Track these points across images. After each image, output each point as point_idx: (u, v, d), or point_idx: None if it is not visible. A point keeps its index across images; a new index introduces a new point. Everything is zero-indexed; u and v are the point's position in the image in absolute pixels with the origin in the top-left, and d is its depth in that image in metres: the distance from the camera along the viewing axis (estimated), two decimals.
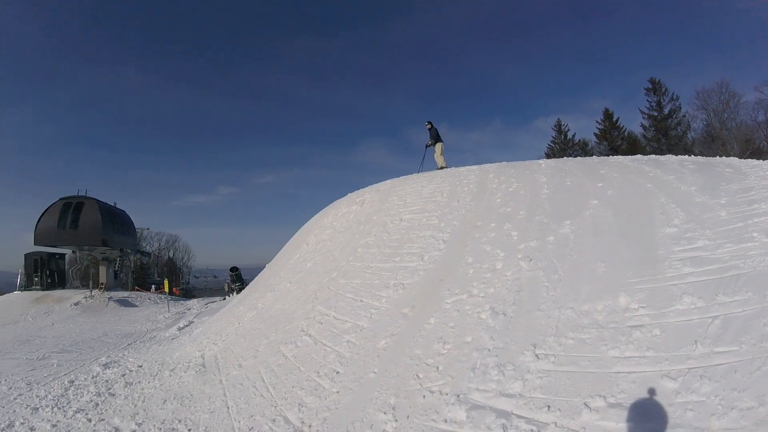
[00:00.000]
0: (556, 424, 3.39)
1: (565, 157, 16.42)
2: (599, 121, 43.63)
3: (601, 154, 38.99)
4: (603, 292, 4.82)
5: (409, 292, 6.85)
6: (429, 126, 15.93)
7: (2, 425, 6.26)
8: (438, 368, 4.72)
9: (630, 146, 37.97)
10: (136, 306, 23.85)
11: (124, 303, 23.94)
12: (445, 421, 3.87)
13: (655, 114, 39.55)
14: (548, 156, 43.65)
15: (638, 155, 12.27)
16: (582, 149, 43.36)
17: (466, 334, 5.11)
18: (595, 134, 43.72)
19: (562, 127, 46.29)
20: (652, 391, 3.36)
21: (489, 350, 4.60)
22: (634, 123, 55.10)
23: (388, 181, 14.18)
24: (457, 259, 7.16)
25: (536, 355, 4.20)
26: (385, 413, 4.33)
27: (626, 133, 42.01)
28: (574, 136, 45.95)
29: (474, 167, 12.99)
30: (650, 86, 40.19)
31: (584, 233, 6.48)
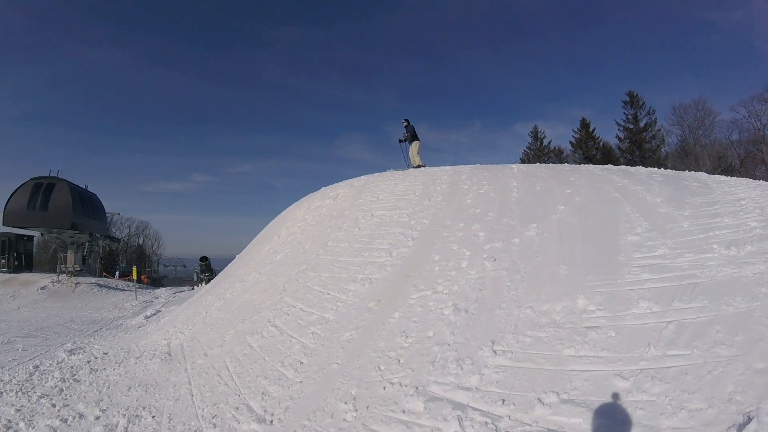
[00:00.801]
0: (509, 417, 3.49)
1: (537, 164, 16.75)
2: (576, 130, 44.28)
3: (575, 162, 39.64)
4: (563, 294, 4.98)
5: (376, 287, 6.95)
6: (406, 124, 15.74)
7: None
8: (399, 361, 4.83)
9: (604, 156, 38.65)
10: (104, 291, 23.50)
11: (92, 288, 23.58)
12: (404, 411, 3.97)
13: (631, 126, 40.32)
14: (523, 161, 44.19)
15: (609, 165, 12.59)
16: (557, 156, 43.99)
17: (428, 329, 5.22)
18: (571, 143, 44.38)
19: (539, 134, 46.94)
20: (604, 390, 3.47)
21: (449, 345, 4.72)
22: (610, 134, 56.25)
23: (363, 177, 14.25)
24: (424, 256, 7.29)
25: (494, 351, 4.33)
26: (346, 403, 4.42)
27: (601, 143, 42.76)
28: (549, 143, 46.59)
29: (448, 168, 13.16)
30: (628, 99, 40.97)
31: (549, 237, 6.67)
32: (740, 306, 3.96)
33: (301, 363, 5.71)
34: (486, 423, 3.47)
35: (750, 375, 3.13)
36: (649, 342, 3.80)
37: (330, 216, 11.63)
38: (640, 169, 10.94)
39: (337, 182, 14.99)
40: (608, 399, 3.37)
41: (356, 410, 4.26)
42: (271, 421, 4.65)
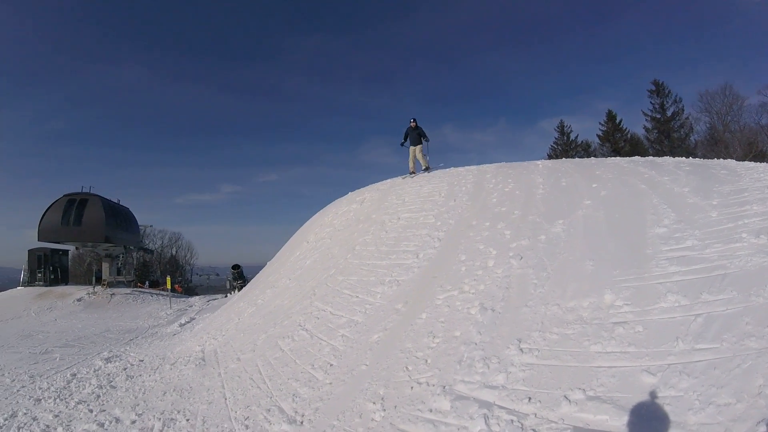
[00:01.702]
0: (536, 415, 3.49)
1: (563, 159, 16.48)
2: (602, 122, 43.55)
3: (603, 155, 38.96)
4: (589, 290, 4.94)
5: (404, 289, 7.02)
6: (413, 124, 14.54)
7: (6, 415, 6.39)
8: (426, 361, 4.87)
9: (633, 148, 37.82)
10: (139, 301, 24.06)
11: (128, 299, 24.16)
12: (431, 410, 4.01)
13: (658, 116, 39.45)
14: (550, 157, 43.65)
15: (636, 157, 12.39)
16: (584, 151, 43.29)
17: (455, 329, 5.26)
18: (598, 136, 43.67)
19: (565, 129, 46.25)
20: (631, 386, 3.43)
21: (476, 344, 4.74)
22: (637, 125, 54.98)
23: (388, 180, 14.38)
24: (450, 256, 7.33)
25: (521, 349, 4.33)
26: (374, 403, 4.48)
27: (629, 135, 41.97)
28: (576, 137, 45.91)
29: (472, 167, 13.16)
30: (653, 88, 40.07)
31: (575, 232, 6.63)
32: None
33: (331, 365, 5.82)
34: (512, 421, 3.48)
35: None
36: (677, 336, 3.74)
37: (357, 220, 11.78)
38: (667, 159, 10.74)
39: (363, 187, 15.15)
40: (635, 395, 3.32)
41: (384, 410, 4.32)
42: (302, 422, 4.74)
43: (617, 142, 41.12)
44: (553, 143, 47.02)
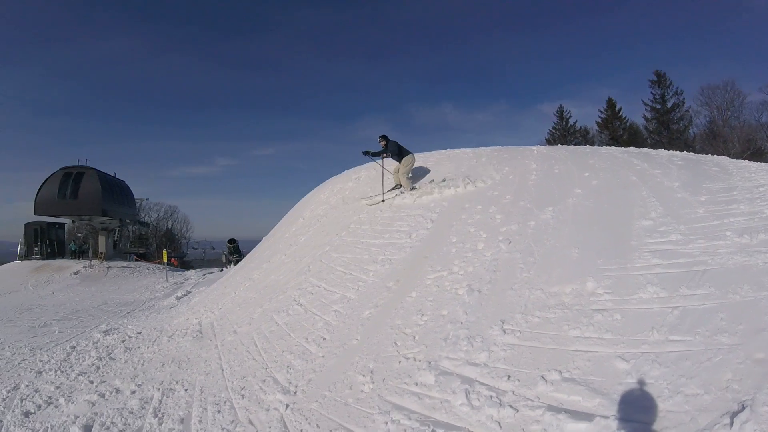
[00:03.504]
0: (513, 392, 3.66)
1: (559, 145, 16.56)
2: (602, 110, 43.67)
3: (601, 143, 39.07)
4: (573, 277, 5.12)
5: (395, 267, 7.22)
6: (383, 142, 11.02)
7: (8, 387, 6.50)
8: (414, 337, 5.09)
9: (631, 137, 38.03)
10: (135, 274, 24.22)
11: (124, 272, 24.35)
12: (416, 384, 4.22)
13: (658, 107, 39.56)
14: (549, 142, 43.74)
15: (631, 147, 12.54)
16: (583, 137, 43.33)
17: (442, 308, 5.47)
18: (597, 123, 43.82)
19: (564, 114, 46.31)
20: (605, 370, 3.57)
21: (462, 323, 4.95)
22: (637, 114, 54.92)
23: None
24: (442, 238, 7.54)
25: (503, 330, 4.52)
26: (363, 376, 4.70)
27: (628, 123, 42.09)
28: (575, 123, 46.06)
29: (468, 150, 13.30)
30: (655, 78, 40.06)
31: (564, 220, 6.83)
32: (747, 295, 3.97)
33: (324, 339, 6.03)
34: (491, 397, 3.66)
35: (749, 364, 3.16)
36: (652, 326, 3.88)
37: (352, 198, 11.93)
38: (661, 152, 10.90)
39: (360, 165, 15.16)
40: (608, 379, 3.47)
41: (373, 382, 4.54)
42: (295, 392, 4.96)
43: (616, 130, 41.22)
44: (552, 128, 47.27)
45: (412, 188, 10.74)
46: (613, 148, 12.65)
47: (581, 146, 16.09)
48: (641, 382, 3.34)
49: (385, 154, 10.94)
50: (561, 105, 48.57)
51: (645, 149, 12.16)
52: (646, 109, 40.73)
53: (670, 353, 3.53)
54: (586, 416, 3.15)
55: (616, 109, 42.61)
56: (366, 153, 11.07)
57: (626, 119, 42.62)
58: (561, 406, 3.36)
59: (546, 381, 3.64)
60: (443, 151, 14.09)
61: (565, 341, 4.10)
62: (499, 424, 3.41)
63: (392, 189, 11.08)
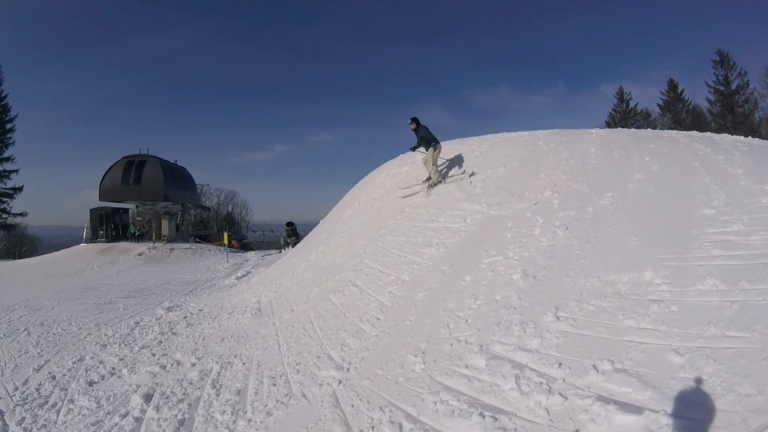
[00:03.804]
0: (564, 380, 3.63)
1: (619, 128, 15.91)
2: (663, 91, 41.73)
3: (663, 126, 37.25)
4: (630, 265, 5.00)
5: (450, 251, 7.29)
6: (414, 125, 10.98)
7: (74, 359, 6.98)
8: (467, 321, 5.14)
9: (694, 120, 36.04)
10: (197, 256, 25.21)
11: (186, 253, 25.41)
12: (467, 367, 4.27)
13: (722, 89, 37.21)
14: (609, 125, 42.22)
15: (693, 132, 11.95)
16: (644, 120, 41.51)
17: (496, 293, 5.48)
18: (659, 105, 41.97)
19: (625, 96, 44.45)
20: (658, 363, 3.48)
21: (515, 308, 4.95)
22: (700, 96, 51.91)
23: (442, 143, 14.34)
24: (497, 222, 7.52)
25: (557, 317, 4.50)
26: (415, 356, 4.80)
27: (691, 106, 40.01)
28: (636, 105, 44.18)
29: (525, 133, 13.04)
30: (718, 59, 37.73)
31: (623, 206, 6.66)
32: None
33: (378, 319, 6.20)
34: (541, 383, 3.66)
35: None
36: (709, 320, 3.75)
37: (407, 182, 11.96)
38: (725, 137, 10.33)
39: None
40: (660, 372, 3.38)
41: (424, 363, 4.63)
42: (348, 369, 5.15)
43: (678, 113, 39.31)
44: (612, 110, 45.49)
45: (439, 179, 10.75)
46: (674, 132, 12.07)
47: (642, 129, 15.42)
48: (694, 378, 3.22)
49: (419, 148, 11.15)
50: (621, 86, 46.52)
51: (708, 133, 11.51)
52: (709, 91, 38.55)
53: (726, 349, 3.39)
54: (636, 409, 3.09)
55: (678, 90, 40.65)
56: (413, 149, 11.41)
57: (689, 102, 40.65)
58: (611, 397, 3.30)
59: (597, 371, 3.59)
60: (499, 134, 13.86)
61: (619, 331, 4.02)
62: (547, 411, 3.40)
63: (425, 181, 10.97)
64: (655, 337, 3.80)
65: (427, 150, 10.90)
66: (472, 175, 10.34)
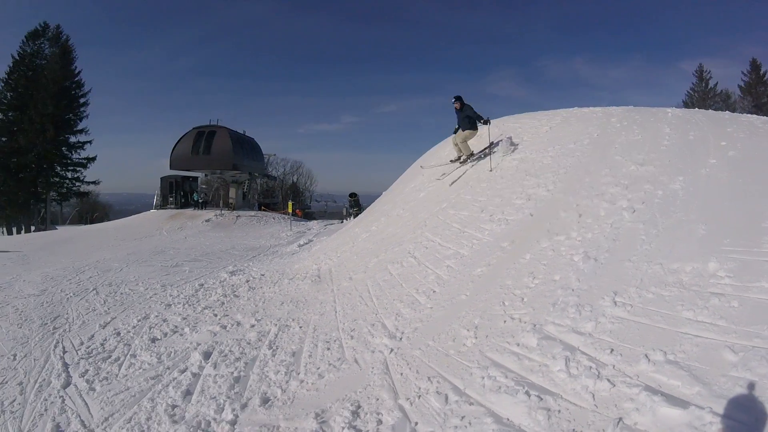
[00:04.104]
0: (614, 366, 3.62)
1: (696, 109, 15.05)
2: (745, 72, 38.78)
3: (743, 109, 34.62)
4: (696, 254, 4.85)
5: (511, 228, 7.28)
6: (458, 104, 11.07)
7: (139, 317, 7.34)
8: (523, 299, 5.17)
9: None
10: (262, 223, 26.11)
11: (252, 220, 26.40)
12: (518, 344, 4.33)
13: None
14: (686, 105, 39.78)
15: None
16: (723, 102, 38.75)
17: (555, 273, 5.46)
18: (740, 87, 39.05)
19: (704, 74, 41.65)
20: (711, 359, 3.39)
21: (572, 290, 4.93)
22: None
23: (510, 116, 14.17)
24: (563, 201, 7.41)
25: (614, 302, 4.46)
26: (467, 330, 4.91)
27: None
28: (716, 85, 41.32)
29: (598, 109, 12.69)
30: None
31: (694, 192, 6.40)
32: None
33: (434, 291, 6.34)
34: (590, 368, 3.66)
35: None
36: None
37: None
38: None
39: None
40: (712, 368, 3.29)
41: (476, 338, 4.74)
42: (401, 338, 5.34)
43: (760, 96, 36.48)
44: (690, 89, 42.86)
45: (470, 154, 10.96)
46: (754, 116, 11.27)
47: (720, 112, 14.52)
48: (746, 378, 3.12)
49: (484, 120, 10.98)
50: (701, 64, 43.86)
51: None
52: None
53: None
54: (682, 403, 3.05)
55: (761, 72, 37.45)
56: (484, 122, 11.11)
57: None
58: (658, 389, 3.27)
59: (649, 360, 3.55)
60: (571, 109, 13.55)
61: (676, 322, 3.94)
62: (593, 395, 3.42)
63: (456, 159, 11.11)
64: (711, 332, 3.70)
65: (468, 130, 10.94)
66: (513, 150, 10.39)
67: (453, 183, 10.92)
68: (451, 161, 11.72)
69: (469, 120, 11.09)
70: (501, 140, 11.31)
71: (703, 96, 41.07)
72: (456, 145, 11.54)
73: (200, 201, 33.20)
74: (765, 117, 11.01)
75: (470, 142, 11.49)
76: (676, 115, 11.05)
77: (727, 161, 7.20)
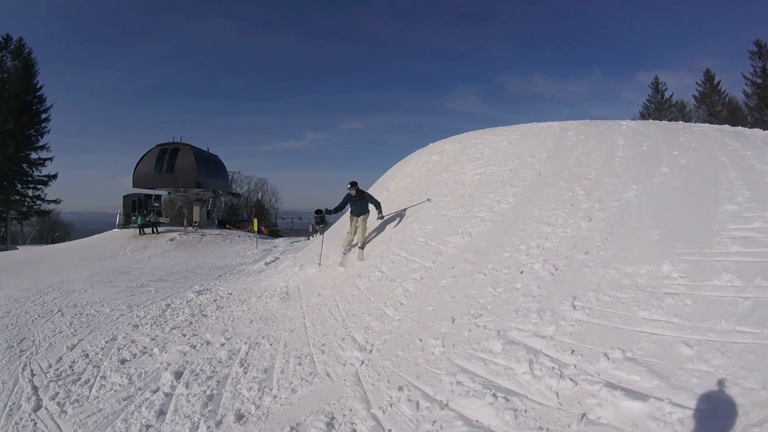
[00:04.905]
0: (575, 366, 3.80)
1: (650, 120, 15.67)
2: (699, 82, 40.33)
3: (699, 119, 36.21)
4: (650, 258, 5.09)
5: (474, 240, 7.46)
6: (354, 192, 9.98)
7: (107, 338, 7.16)
8: (487, 307, 5.34)
9: (731, 113, 34.87)
10: (227, 241, 25.59)
11: (217, 239, 25.89)
12: (484, 350, 4.48)
13: (759, 81, 35.78)
14: (643, 116, 41.26)
15: (725, 125, 11.74)
16: (679, 112, 40.35)
17: (517, 281, 5.66)
18: (695, 97, 40.60)
19: (660, 86, 43.21)
20: (667, 354, 3.59)
21: (534, 297, 5.12)
22: (737, 89, 50.04)
23: (472, 132, 14.42)
24: (523, 213, 7.65)
25: (573, 306, 4.65)
26: (435, 339, 5.03)
27: (727, 98, 38.62)
28: (671, 96, 42.89)
29: (555, 124, 13.07)
30: (755, 49, 36.18)
31: (648, 199, 6.71)
32: None
33: (402, 304, 6.45)
34: (553, 368, 3.83)
35: None
36: (722, 315, 3.82)
37: (436, 171, 12.20)
38: (756, 131, 10.10)
39: (446, 137, 15.30)
40: (669, 363, 3.48)
41: (444, 346, 4.86)
42: (371, 351, 5.42)
43: (714, 105, 38.08)
44: (646, 101, 44.39)
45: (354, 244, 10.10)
46: (705, 125, 11.85)
47: (673, 122, 15.19)
48: (702, 370, 3.31)
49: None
50: (656, 76, 45.40)
51: (739, 128, 11.28)
52: (746, 84, 37.06)
53: (735, 344, 3.47)
54: (641, 396, 3.22)
55: (715, 82, 39.28)
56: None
57: (725, 93, 39.31)
58: (619, 384, 3.43)
59: (608, 358, 3.73)
60: (530, 124, 13.92)
61: (633, 322, 4.15)
62: (557, 394, 3.58)
63: (353, 246, 10.20)
64: (667, 329, 3.91)
65: (359, 216, 10.08)
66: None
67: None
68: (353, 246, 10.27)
69: (362, 207, 10.15)
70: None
71: (659, 107, 42.56)
72: (356, 229, 10.16)
73: (151, 221, 29.28)
74: (717, 126, 11.55)
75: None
76: (630, 127, 11.48)
77: (679, 169, 7.57)
